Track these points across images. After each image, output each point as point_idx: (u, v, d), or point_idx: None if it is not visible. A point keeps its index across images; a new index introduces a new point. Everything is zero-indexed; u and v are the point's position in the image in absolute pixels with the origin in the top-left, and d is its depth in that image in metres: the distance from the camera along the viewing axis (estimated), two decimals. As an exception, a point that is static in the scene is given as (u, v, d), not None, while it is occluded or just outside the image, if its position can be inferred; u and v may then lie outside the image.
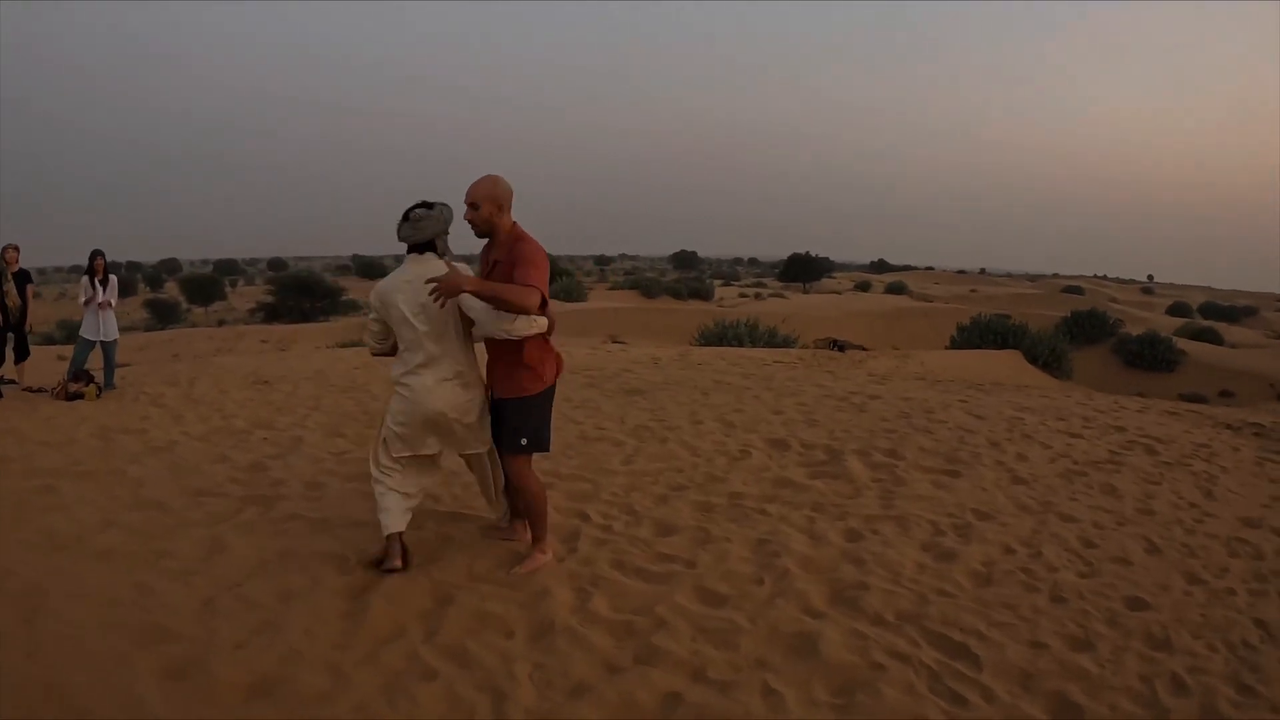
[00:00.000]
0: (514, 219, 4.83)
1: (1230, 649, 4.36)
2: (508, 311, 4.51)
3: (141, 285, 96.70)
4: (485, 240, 4.90)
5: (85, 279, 11.59)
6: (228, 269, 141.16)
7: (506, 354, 4.82)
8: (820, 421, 9.49)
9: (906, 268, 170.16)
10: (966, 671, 4.00)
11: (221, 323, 56.25)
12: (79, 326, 11.97)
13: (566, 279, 56.29)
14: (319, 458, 7.48)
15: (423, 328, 4.68)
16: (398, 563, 4.78)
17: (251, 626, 4.17)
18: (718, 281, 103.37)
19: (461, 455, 5.16)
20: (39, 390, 11.05)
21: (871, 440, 8.50)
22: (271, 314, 55.48)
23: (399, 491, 4.92)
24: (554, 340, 5.09)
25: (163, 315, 62.97)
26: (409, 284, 4.69)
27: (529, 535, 5.36)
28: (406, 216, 4.72)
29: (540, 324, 4.73)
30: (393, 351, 4.98)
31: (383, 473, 4.96)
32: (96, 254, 11.55)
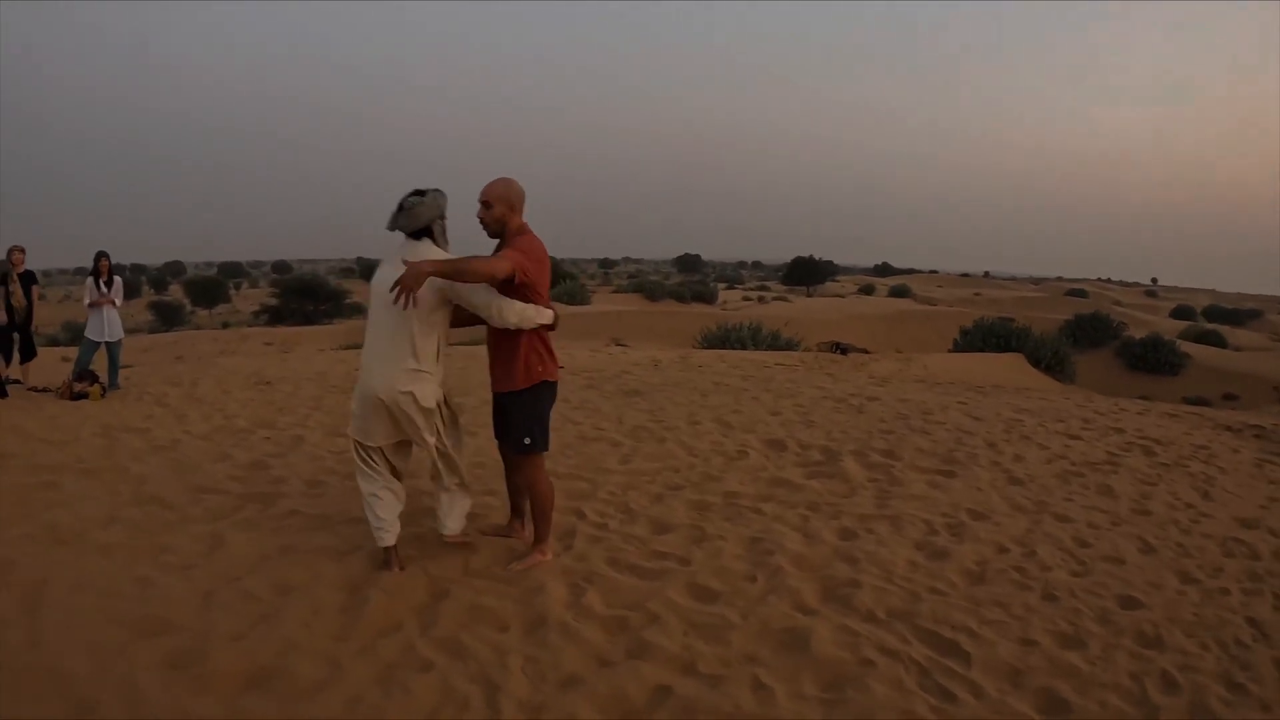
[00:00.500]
0: (524, 221, 4.92)
1: (1222, 647, 4.40)
2: (472, 280, 4.56)
3: (146, 287, 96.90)
4: (496, 241, 4.95)
5: (90, 280, 11.65)
6: (232, 271, 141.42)
7: (506, 349, 4.88)
8: (818, 423, 9.53)
9: (910, 271, 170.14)
10: (956, 668, 4.04)
11: (225, 325, 56.33)
12: (84, 328, 12.02)
13: (570, 282, 56.31)
14: (319, 456, 7.54)
15: (383, 310, 4.65)
16: (395, 568, 4.84)
17: (250, 619, 4.23)
18: (721, 285, 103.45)
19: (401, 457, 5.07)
20: (43, 390, 11.11)
21: (868, 441, 8.54)
22: (275, 316, 55.57)
23: (377, 495, 4.88)
24: (553, 339, 5.14)
25: (167, 317, 63.10)
26: (391, 265, 4.70)
27: (527, 533, 5.42)
28: (401, 206, 4.71)
29: (546, 316, 4.83)
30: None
31: (359, 475, 4.95)
32: (101, 255, 11.61)
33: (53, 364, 15.97)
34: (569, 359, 15.69)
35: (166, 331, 50.41)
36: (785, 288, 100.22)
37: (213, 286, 78.38)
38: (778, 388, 12.54)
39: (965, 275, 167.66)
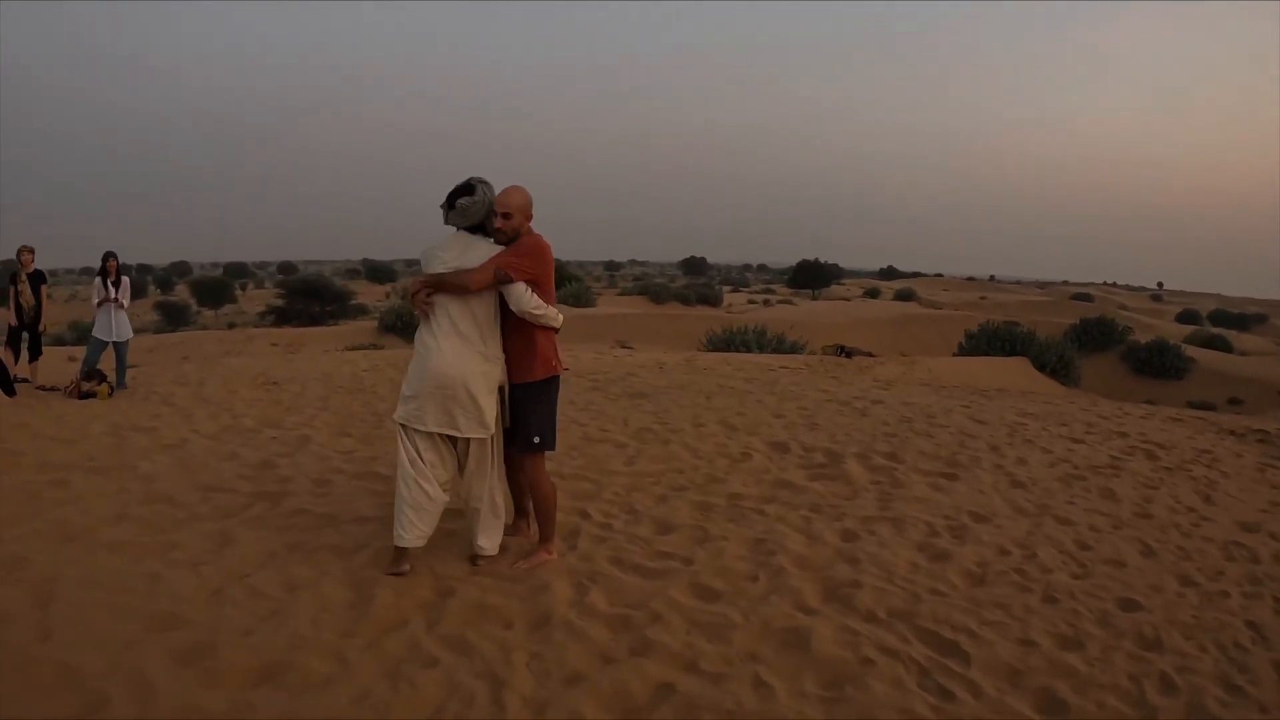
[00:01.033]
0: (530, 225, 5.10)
1: (1221, 650, 4.43)
2: (453, 293, 4.81)
3: (152, 288, 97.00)
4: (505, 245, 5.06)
5: (98, 280, 11.70)
6: (238, 272, 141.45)
7: (520, 340, 5.03)
8: (821, 425, 9.57)
9: (915, 274, 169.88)
10: (955, 668, 4.08)
11: (231, 325, 56.39)
12: (90, 327, 12.08)
13: (576, 284, 56.32)
14: (326, 456, 7.59)
15: (451, 299, 4.85)
16: (403, 569, 4.88)
17: (259, 614, 4.28)
18: (726, 288, 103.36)
19: (454, 454, 5.08)
20: (51, 389, 11.17)
21: (872, 444, 8.58)
22: (281, 317, 55.58)
23: (416, 489, 4.92)
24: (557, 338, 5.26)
25: (173, 317, 63.15)
26: (448, 250, 4.88)
27: (532, 532, 5.47)
28: (453, 205, 4.88)
29: (560, 319, 5.07)
30: None
31: (401, 467, 4.98)
32: (109, 255, 11.67)
33: (59, 363, 16.04)
34: (574, 361, 15.73)
35: (172, 331, 50.48)
36: (790, 291, 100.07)
37: (219, 287, 78.43)
38: (782, 391, 12.57)
39: (971, 279, 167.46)
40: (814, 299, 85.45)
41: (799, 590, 4.85)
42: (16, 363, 11.67)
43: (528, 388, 5.08)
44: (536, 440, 5.07)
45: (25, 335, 11.99)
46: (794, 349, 27.65)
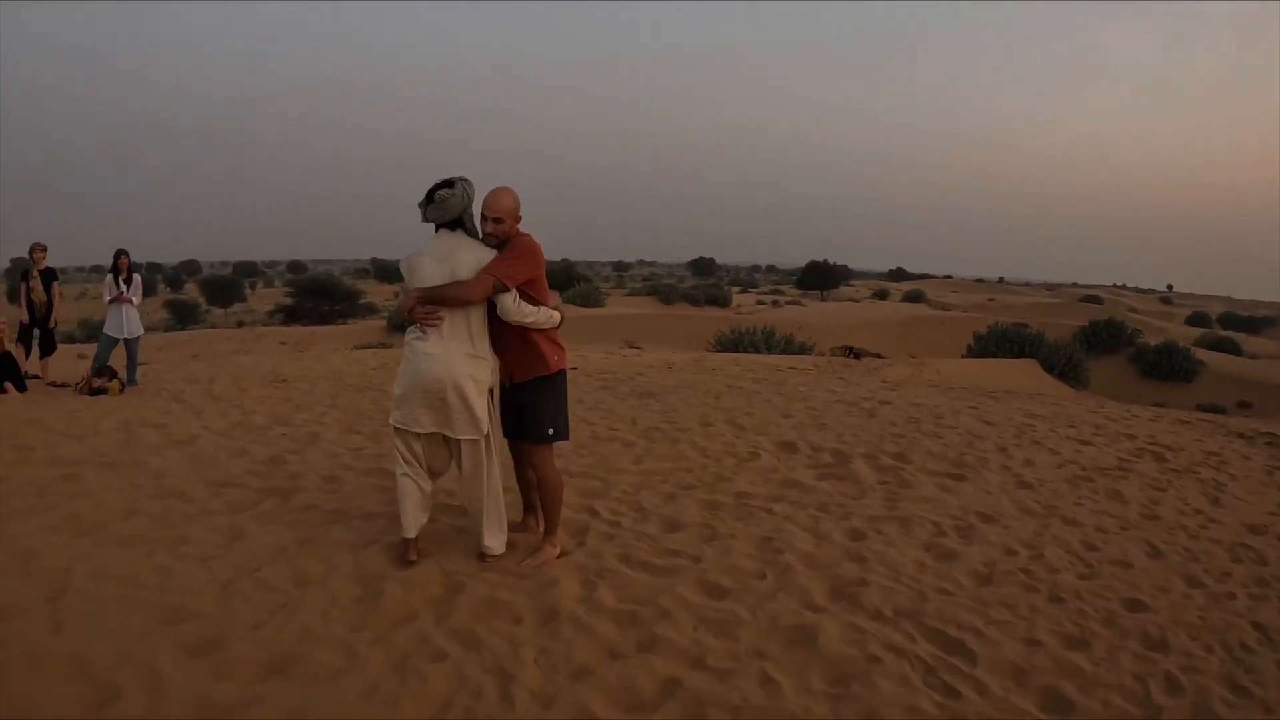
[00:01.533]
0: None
1: (1227, 650, 4.43)
2: (452, 306, 4.78)
3: (162, 286, 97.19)
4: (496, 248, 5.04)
5: (110, 277, 11.76)
6: (247, 271, 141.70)
7: (516, 340, 5.02)
8: (829, 425, 9.58)
9: (924, 276, 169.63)
10: (961, 666, 4.09)
11: (241, 324, 56.49)
12: (101, 324, 12.14)
13: (584, 285, 56.33)
14: (335, 453, 7.62)
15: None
16: (412, 557, 4.94)
17: (269, 608, 4.31)
18: (735, 288, 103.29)
19: (448, 455, 5.09)
20: (62, 385, 11.23)
21: (879, 444, 8.59)
22: (290, 316, 55.70)
23: (411, 485, 4.99)
24: (560, 336, 5.28)
25: (183, 316, 63.30)
26: (433, 256, 4.80)
27: (540, 528, 5.50)
28: (431, 198, 4.80)
29: (555, 318, 5.02)
30: None
31: (398, 466, 5.05)
32: (121, 253, 11.72)
33: (70, 360, 16.09)
34: (583, 360, 15.76)
35: (182, 330, 50.60)
36: (799, 292, 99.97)
37: (228, 286, 78.56)
38: (790, 391, 12.59)
39: (980, 281, 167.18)
40: (823, 300, 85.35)
41: (806, 588, 4.87)
42: (28, 359, 11.73)
43: (533, 383, 5.08)
44: (551, 431, 5.12)
45: (37, 332, 12.06)
46: (802, 350, 27.65)
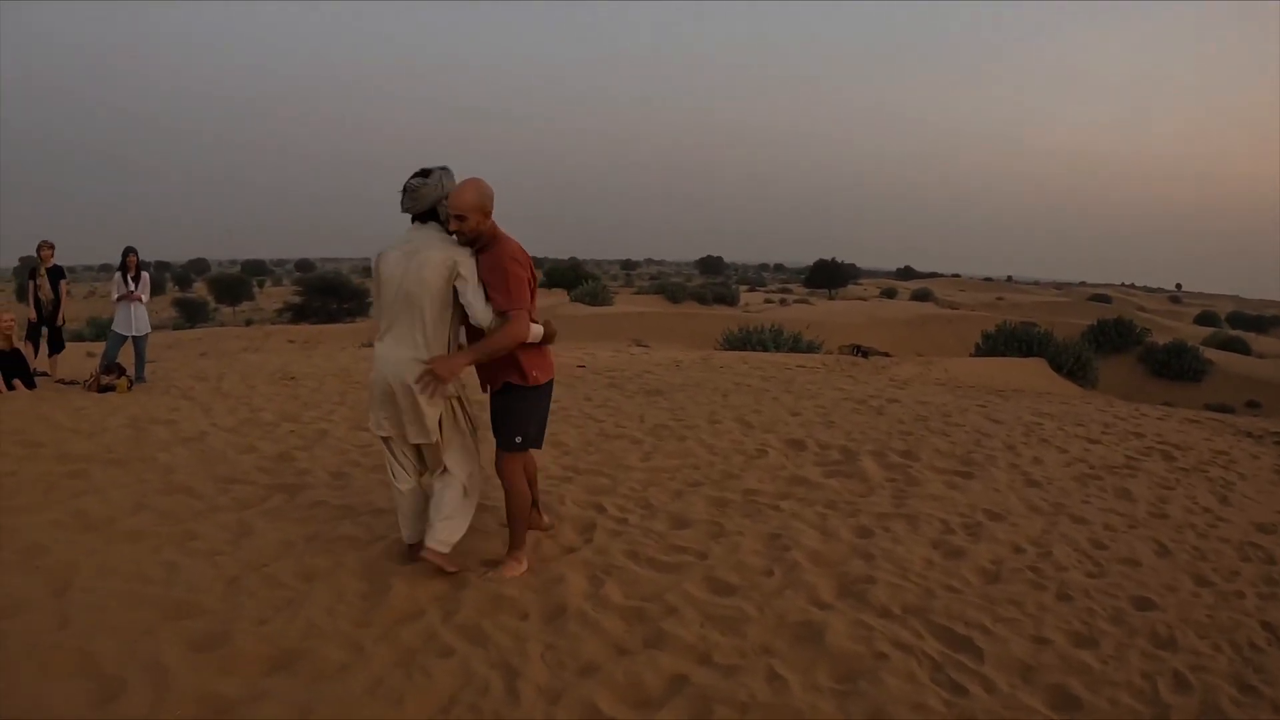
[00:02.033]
0: (493, 221, 4.75)
1: (1235, 649, 4.42)
2: (503, 351, 4.60)
3: (171, 284, 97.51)
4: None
5: (118, 275, 11.79)
6: (256, 270, 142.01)
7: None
8: (837, 423, 9.57)
9: (933, 275, 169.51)
10: (969, 663, 4.08)
11: (249, 322, 56.65)
12: (109, 323, 12.17)
13: (592, 283, 56.34)
14: (343, 449, 7.63)
15: (395, 296, 4.59)
16: (419, 555, 4.79)
17: (275, 604, 4.32)
18: (743, 287, 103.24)
19: (420, 455, 4.91)
20: (71, 382, 11.25)
21: (887, 442, 8.58)
22: (298, 314, 55.83)
23: (400, 497, 4.89)
24: (551, 347, 5.07)
25: (191, 314, 63.50)
26: (401, 250, 4.61)
27: (545, 523, 5.48)
28: (405, 188, 4.64)
29: (536, 334, 4.74)
30: None
31: (388, 474, 4.96)
32: (129, 251, 11.76)
33: (78, 358, 16.15)
34: (591, 359, 15.78)
35: (191, 328, 50.74)
36: (807, 290, 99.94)
37: (236, 284, 78.77)
38: (798, 389, 12.58)
39: (988, 279, 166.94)
40: (831, 299, 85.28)
41: (813, 585, 4.85)
42: (36, 356, 11.76)
43: (508, 390, 4.83)
44: (519, 440, 4.88)
45: (45, 330, 12.09)
46: (810, 348, 27.63)
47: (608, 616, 4.36)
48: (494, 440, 4.98)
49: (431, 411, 4.62)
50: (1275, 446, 10.02)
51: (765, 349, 26.36)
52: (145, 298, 11.84)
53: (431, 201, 4.64)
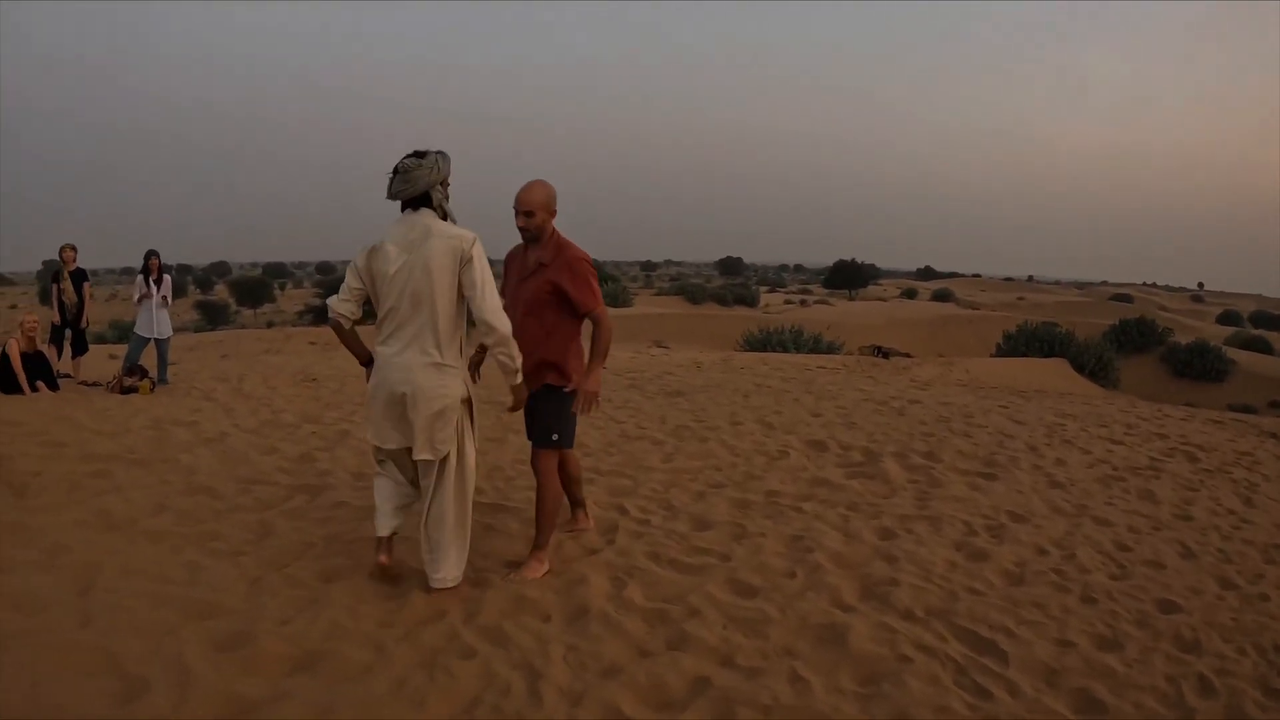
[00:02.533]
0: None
1: (1260, 653, 4.37)
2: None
3: (192, 287, 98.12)
4: (528, 244, 4.95)
5: (140, 277, 11.87)
6: (277, 272, 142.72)
7: (554, 346, 4.90)
8: (859, 424, 9.55)
9: (953, 275, 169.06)
10: (993, 666, 4.05)
11: (270, 324, 56.91)
12: (131, 325, 12.25)
13: (612, 284, 56.43)
14: (365, 450, 7.63)
15: (400, 294, 4.30)
16: (382, 559, 4.58)
17: (297, 604, 4.31)
18: (763, 288, 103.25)
19: (417, 471, 4.60)
20: (93, 384, 11.33)
21: (909, 443, 8.56)
22: (319, 316, 56.08)
23: (385, 482, 4.70)
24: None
25: (212, 316, 63.84)
26: (398, 244, 4.28)
27: (590, 522, 5.58)
28: (396, 169, 4.29)
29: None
30: (353, 317, 4.57)
31: (376, 469, 4.77)
32: (151, 254, 11.84)
33: (101, 361, 16.24)
34: (611, 360, 15.76)
35: (212, 330, 51.01)
36: (827, 291, 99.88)
37: (258, 286, 79.22)
38: (819, 390, 12.56)
39: (1009, 279, 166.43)
40: (851, 299, 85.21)
41: (836, 587, 4.83)
42: (60, 359, 11.85)
43: (548, 391, 4.91)
44: (555, 437, 4.94)
45: (68, 332, 12.18)
46: (831, 349, 27.60)
47: (630, 618, 4.35)
48: (529, 439, 5.06)
49: (442, 425, 4.36)
50: (1301, 447, 9.93)
51: (786, 350, 26.36)
52: (168, 299, 11.91)
53: (425, 185, 4.28)
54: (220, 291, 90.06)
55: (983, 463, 7.90)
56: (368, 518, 5.64)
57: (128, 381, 10.75)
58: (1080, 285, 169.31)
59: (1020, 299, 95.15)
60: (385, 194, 4.37)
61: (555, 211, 4.87)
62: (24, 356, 10.33)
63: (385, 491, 4.67)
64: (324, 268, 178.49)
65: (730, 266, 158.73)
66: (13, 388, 10.08)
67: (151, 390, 10.81)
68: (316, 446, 7.78)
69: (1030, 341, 32.20)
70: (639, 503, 6.25)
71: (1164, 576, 5.31)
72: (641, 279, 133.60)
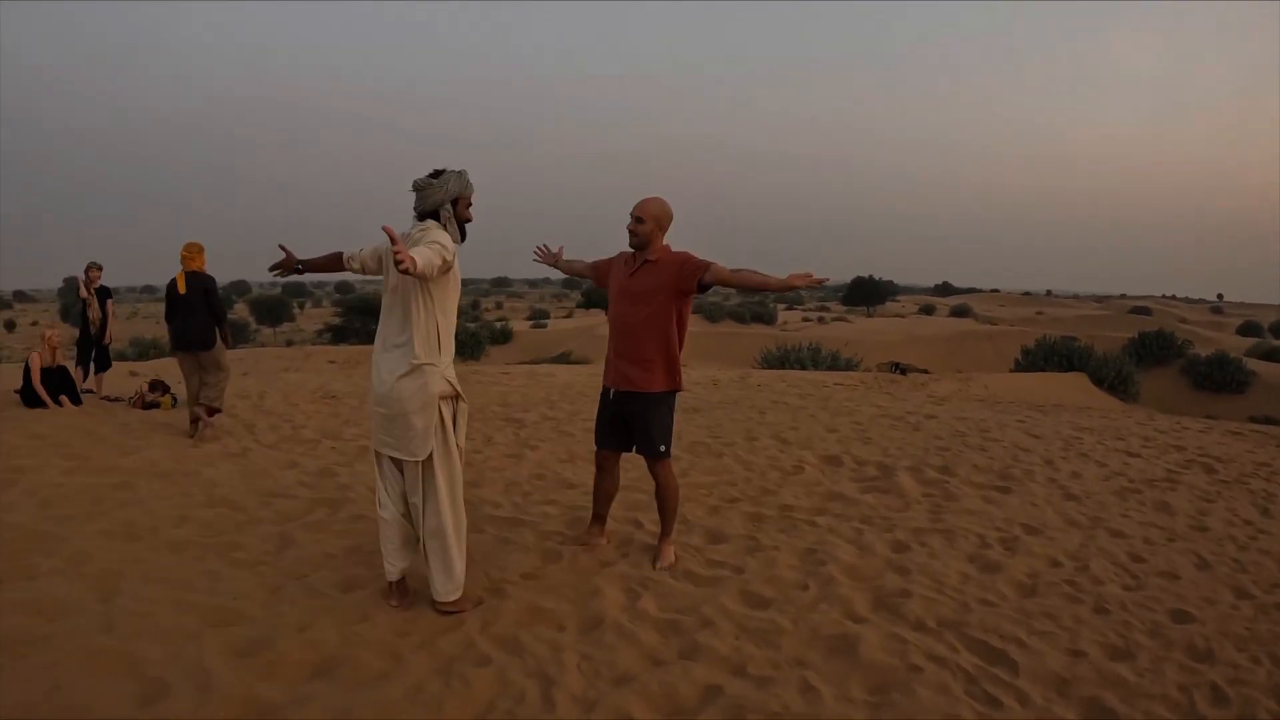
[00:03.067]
0: (665, 241, 5.19)
1: (1275, 662, 4.37)
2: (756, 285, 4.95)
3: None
4: (634, 251, 5.23)
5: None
6: (296, 291, 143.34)
7: (652, 349, 5.16)
8: (874, 439, 9.57)
9: (971, 290, 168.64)
10: (1003, 676, 4.07)
11: (290, 343, 57.09)
12: (151, 344, 12.32)
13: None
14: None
15: (389, 293, 4.46)
16: (393, 602, 4.56)
17: (316, 612, 4.38)
18: (781, 305, 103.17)
19: (406, 479, 4.56)
20: (115, 399, 11.42)
21: (924, 457, 8.58)
22: (338, 335, 56.26)
23: (385, 527, 4.58)
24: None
25: (233, 335, 64.08)
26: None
27: (605, 538, 5.68)
28: (414, 185, 4.50)
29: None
30: (357, 260, 4.64)
31: (376, 495, 4.69)
32: None
33: (122, 377, 16.36)
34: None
35: (232, 348, 51.19)
36: (845, 308, 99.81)
37: (277, 305, 79.61)
38: (835, 406, 12.58)
39: (1027, 294, 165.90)
40: (869, 316, 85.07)
41: (848, 599, 4.87)
42: (86, 377, 11.95)
43: (650, 397, 5.17)
44: (663, 448, 5.22)
45: (93, 349, 12.28)
46: (849, 366, 27.59)
47: (643, 628, 4.40)
48: (642, 452, 5.31)
49: (423, 424, 4.37)
50: (1320, 460, 9.89)
51: (804, 367, 26.36)
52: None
53: (436, 202, 4.47)
54: (240, 310, 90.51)
55: (998, 476, 7.91)
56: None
57: (150, 397, 10.85)
58: (1099, 299, 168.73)
59: (1039, 313, 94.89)
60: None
61: (664, 228, 5.13)
62: (47, 371, 10.43)
63: (389, 530, 4.59)
64: (343, 287, 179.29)
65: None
66: (36, 401, 10.19)
67: (173, 406, 10.91)
68: (336, 461, 7.85)
69: (1049, 356, 32.10)
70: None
71: (1178, 587, 5.32)
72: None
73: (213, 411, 9.28)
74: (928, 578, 5.25)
